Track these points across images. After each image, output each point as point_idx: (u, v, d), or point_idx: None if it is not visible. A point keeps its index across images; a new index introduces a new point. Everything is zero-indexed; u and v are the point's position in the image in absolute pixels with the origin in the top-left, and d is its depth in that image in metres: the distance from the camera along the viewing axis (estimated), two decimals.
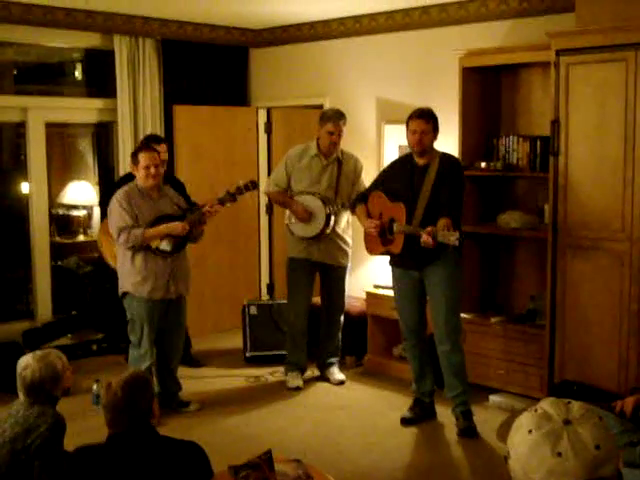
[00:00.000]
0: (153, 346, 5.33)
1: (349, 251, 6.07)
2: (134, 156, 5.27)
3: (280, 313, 6.64)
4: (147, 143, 5.67)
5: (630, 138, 4.82)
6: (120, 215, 5.15)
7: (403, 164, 5.20)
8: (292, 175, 5.97)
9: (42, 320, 7.00)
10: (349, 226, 6.04)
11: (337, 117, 5.85)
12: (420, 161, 5.06)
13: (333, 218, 5.84)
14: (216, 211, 5.38)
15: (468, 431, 5.05)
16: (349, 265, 6.15)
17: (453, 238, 4.45)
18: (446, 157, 5.09)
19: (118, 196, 5.22)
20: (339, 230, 5.95)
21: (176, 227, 5.19)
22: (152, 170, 5.18)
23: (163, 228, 5.18)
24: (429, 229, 4.58)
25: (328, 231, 5.86)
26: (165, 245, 5.23)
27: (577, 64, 5.01)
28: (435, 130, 5.03)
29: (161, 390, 5.46)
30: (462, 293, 5.28)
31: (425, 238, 4.59)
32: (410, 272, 5.13)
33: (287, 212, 6.02)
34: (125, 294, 5.30)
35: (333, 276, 6.09)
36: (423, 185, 4.95)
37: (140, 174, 5.20)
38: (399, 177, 5.13)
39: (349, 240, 6.04)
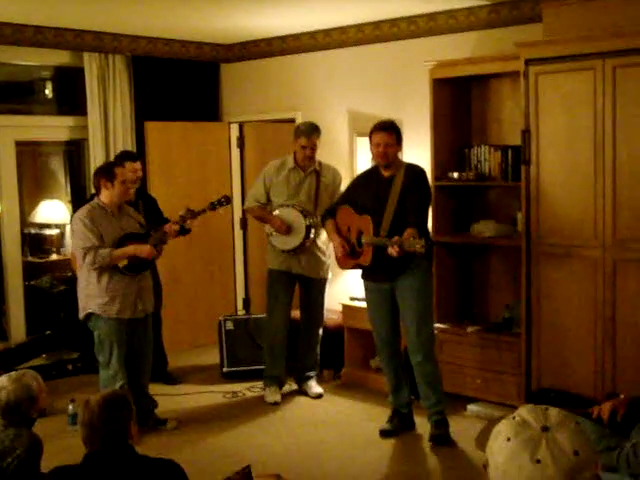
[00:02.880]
0: (123, 365, 5.23)
1: (329, 263, 6.06)
2: (109, 172, 5.17)
3: (257, 328, 6.61)
4: (122, 160, 5.69)
5: (600, 146, 4.87)
6: (85, 235, 5.05)
7: (369, 177, 5.22)
8: (271, 189, 5.97)
9: (16, 341, 6.92)
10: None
11: (310, 131, 5.86)
12: (385, 173, 5.07)
13: (313, 230, 5.84)
14: (176, 231, 5.40)
15: (438, 438, 5.05)
16: (329, 277, 6.16)
17: (419, 246, 4.46)
18: (411, 167, 5.10)
19: (81, 215, 5.12)
20: (319, 242, 5.95)
21: (144, 249, 5.15)
22: (129, 184, 5.18)
23: (131, 249, 5.12)
24: (395, 239, 4.59)
25: (308, 243, 5.86)
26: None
27: (546, 73, 5.06)
28: (399, 142, 5.06)
29: (136, 408, 5.40)
30: (435, 302, 5.32)
31: (391, 248, 4.61)
32: (381, 284, 5.13)
33: (267, 225, 6.01)
34: (89, 316, 5.19)
35: (313, 289, 6.08)
36: (389, 197, 4.96)
37: (117, 189, 5.13)
38: (365, 190, 5.14)
39: (329, 252, 6.04)
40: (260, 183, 6.04)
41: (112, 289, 5.11)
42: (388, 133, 5.00)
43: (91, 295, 5.15)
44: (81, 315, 5.25)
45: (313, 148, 5.86)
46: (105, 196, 5.17)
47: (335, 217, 5.29)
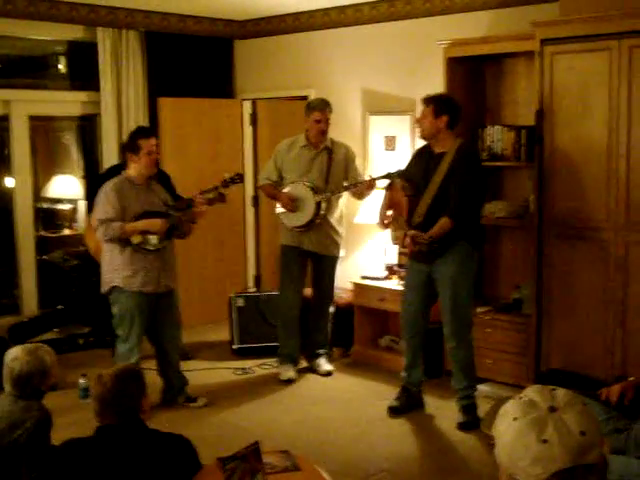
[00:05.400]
0: (141, 341, 5.27)
1: (341, 242, 6.06)
2: (132, 144, 5.15)
3: (267, 305, 6.63)
4: (136, 136, 5.74)
5: (614, 127, 4.84)
6: (104, 207, 5.06)
7: (423, 151, 5.08)
8: (282, 167, 5.96)
9: (28, 314, 6.97)
10: (342, 217, 6.03)
11: (323, 105, 5.84)
12: (436, 149, 4.91)
13: (324, 206, 5.82)
14: (204, 211, 5.36)
15: (465, 425, 5.02)
16: (340, 256, 6.15)
17: (423, 244, 4.44)
18: (462, 146, 4.90)
19: (107, 187, 5.11)
20: (332, 220, 5.93)
21: (155, 224, 5.12)
22: (154, 156, 5.16)
23: (141, 224, 5.10)
24: (412, 232, 4.57)
25: (318, 220, 5.84)
26: (151, 240, 5.16)
27: (561, 53, 5.03)
28: (438, 114, 4.81)
29: (166, 386, 5.45)
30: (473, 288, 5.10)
31: (406, 241, 4.58)
32: (421, 265, 5.02)
33: (277, 203, 6.02)
34: (112, 289, 5.18)
35: (323, 266, 6.08)
36: (434, 176, 4.83)
37: (143, 161, 5.12)
38: (418, 165, 5.02)
39: (341, 231, 6.02)
40: (271, 162, 6.04)
41: (135, 262, 5.10)
42: (425, 104, 4.89)
43: (116, 268, 5.14)
44: (104, 288, 5.22)
45: (327, 122, 5.83)
46: (132, 169, 5.17)
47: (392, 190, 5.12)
